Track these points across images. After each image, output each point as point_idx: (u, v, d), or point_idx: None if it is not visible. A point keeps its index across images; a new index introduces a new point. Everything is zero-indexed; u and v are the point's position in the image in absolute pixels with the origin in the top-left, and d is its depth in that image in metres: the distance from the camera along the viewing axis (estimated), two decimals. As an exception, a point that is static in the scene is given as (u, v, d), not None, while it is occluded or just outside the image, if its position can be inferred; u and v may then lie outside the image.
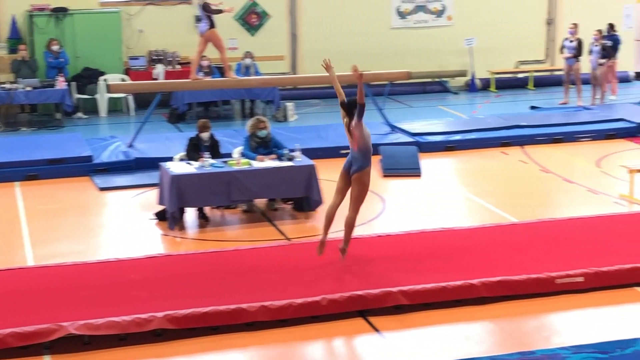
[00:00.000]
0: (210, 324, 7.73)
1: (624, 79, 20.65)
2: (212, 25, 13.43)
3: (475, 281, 8.35)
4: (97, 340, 7.49)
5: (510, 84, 20.47)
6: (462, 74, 17.77)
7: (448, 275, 8.49)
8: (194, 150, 11.17)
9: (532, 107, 17.98)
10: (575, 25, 18.05)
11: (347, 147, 14.03)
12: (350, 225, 8.86)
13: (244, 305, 7.84)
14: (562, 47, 18.29)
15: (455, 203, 11.70)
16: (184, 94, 16.75)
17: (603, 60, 17.76)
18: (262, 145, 11.21)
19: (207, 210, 11.07)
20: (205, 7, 13.33)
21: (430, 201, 11.73)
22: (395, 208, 11.45)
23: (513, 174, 13.13)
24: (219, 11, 13.51)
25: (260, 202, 11.40)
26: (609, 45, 18.11)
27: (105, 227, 11.02)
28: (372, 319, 8.00)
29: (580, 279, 8.53)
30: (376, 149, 13.81)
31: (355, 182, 8.72)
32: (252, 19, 19.43)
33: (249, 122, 11.39)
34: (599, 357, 7.22)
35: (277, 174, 10.79)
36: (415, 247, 9.39)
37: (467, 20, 20.22)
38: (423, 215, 11.01)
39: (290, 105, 17.39)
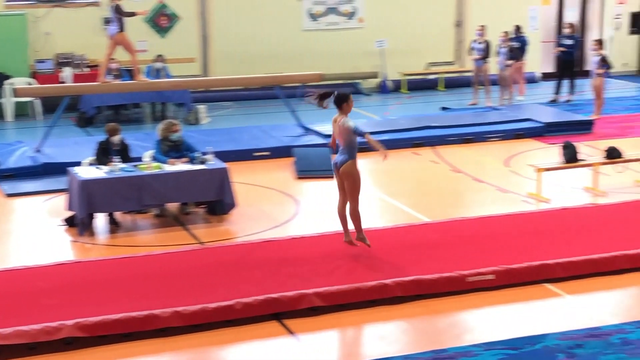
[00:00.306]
0: (122, 331, 7.62)
1: (531, 80, 21.14)
2: (122, 28, 13.25)
3: (388, 281, 8.43)
4: (6, 350, 7.30)
5: (421, 85, 20.75)
6: (374, 75, 17.96)
7: (362, 276, 8.55)
8: (103, 155, 11.00)
9: (443, 108, 18.26)
10: (483, 27, 18.43)
11: (260, 150, 14.13)
12: (354, 216, 9.15)
13: (156, 311, 7.75)
14: (471, 48, 18.66)
15: (368, 204, 11.78)
16: (92, 97, 16.49)
17: (510, 62, 18.13)
18: (173, 148, 11.11)
19: (117, 215, 10.91)
20: (118, 10, 13.13)
21: (343, 202, 11.78)
22: (309, 210, 11.48)
23: (425, 174, 13.31)
24: (132, 14, 13.34)
25: (173, 206, 11.29)
26: (516, 46, 18.51)
27: (13, 234, 10.76)
28: (287, 322, 8.00)
29: (491, 277, 8.70)
30: (290, 151, 13.92)
31: (344, 175, 9.04)
32: (161, 21, 19.24)
33: (161, 126, 11.28)
34: (509, 353, 7.37)
35: (189, 178, 10.70)
36: (329, 249, 9.43)
37: (378, 23, 20.42)
38: (337, 217, 11.04)
39: (202, 107, 17.28)
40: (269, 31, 19.68)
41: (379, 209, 11.54)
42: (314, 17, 20.23)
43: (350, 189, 9.08)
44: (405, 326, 8.04)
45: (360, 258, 9.14)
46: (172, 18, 19.30)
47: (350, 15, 20.47)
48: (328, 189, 12.43)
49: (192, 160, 10.96)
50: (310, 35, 20.12)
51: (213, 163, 10.99)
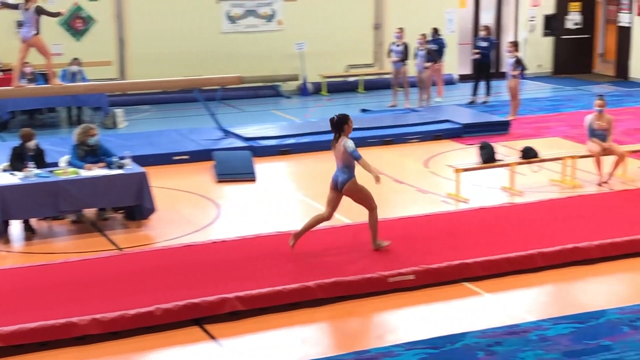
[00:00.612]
0: (39, 340, 7.47)
1: (449, 82, 21.43)
2: (38, 30, 12.98)
3: (310, 283, 8.44)
4: None
5: (341, 88, 20.85)
6: (294, 78, 17.96)
7: (283, 279, 8.54)
8: (18, 160, 10.76)
9: (363, 110, 18.38)
10: (401, 29, 18.60)
11: (179, 153, 14.01)
12: (372, 225, 9.33)
13: (74, 319, 7.62)
14: (390, 51, 18.82)
15: (290, 206, 11.80)
16: (6, 102, 16.11)
17: (428, 64, 18.34)
18: (90, 153, 10.94)
19: (33, 222, 10.69)
20: (40, 10, 12.83)
21: (265, 205, 11.77)
22: (230, 213, 11.42)
23: (345, 176, 13.34)
24: (58, 14, 13.12)
25: (90, 212, 11.11)
26: (434, 49, 18.76)
27: None
28: (209, 327, 7.95)
29: (412, 277, 8.79)
30: (209, 154, 13.83)
31: (349, 193, 9.25)
32: (77, 24, 18.93)
33: (77, 130, 11.09)
34: (430, 352, 7.45)
35: (107, 183, 10.55)
36: (250, 252, 9.40)
37: (297, 25, 20.45)
38: (258, 220, 11.04)
39: (119, 111, 17.06)
40: (187, 34, 19.54)
41: (301, 212, 11.55)
42: (232, 19, 20.15)
43: (362, 202, 9.30)
44: (327, 328, 8.06)
45: (282, 261, 9.14)
46: (88, 21, 19.01)
47: (269, 17, 20.46)
48: (249, 192, 12.40)
49: (109, 165, 10.81)
50: (229, 37, 20.05)
51: (131, 168, 10.85)
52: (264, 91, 20.13)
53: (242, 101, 19.41)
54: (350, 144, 9.09)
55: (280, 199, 12.09)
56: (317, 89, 20.55)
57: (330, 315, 8.25)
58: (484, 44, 19.27)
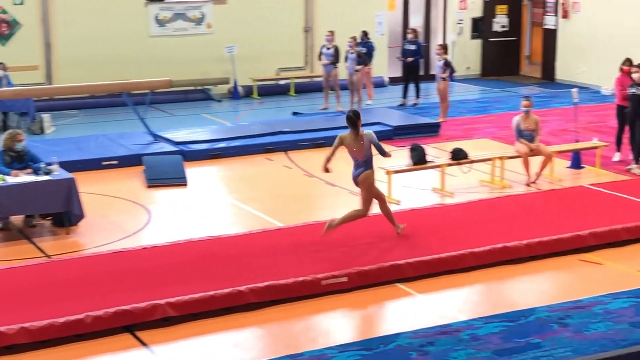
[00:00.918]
0: (-36, 352, 7.31)
1: (380, 84, 21.58)
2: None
3: (242, 288, 8.42)
4: None
5: (272, 91, 20.83)
6: (225, 81, 17.89)
7: (215, 284, 8.50)
8: (-59, 167, 10.51)
9: (294, 113, 18.40)
10: (332, 32, 18.67)
11: (108, 159, 13.84)
12: (353, 218, 9.85)
13: (2, 328, 7.48)
14: (320, 54, 18.86)
15: (222, 211, 11.75)
16: None
17: (359, 67, 18.44)
18: (17, 159, 10.74)
19: (-42, 230, 10.46)
20: None
21: (197, 210, 11.70)
22: (161, 219, 11.32)
23: (278, 180, 13.37)
24: None
25: (17, 219, 10.91)
26: (364, 51, 18.86)
27: None
28: (140, 334, 7.87)
29: (344, 279, 8.82)
30: (139, 159, 13.69)
31: (361, 183, 9.77)
32: (2, 28, 18.57)
33: (4, 136, 10.89)
34: (364, 354, 7.50)
35: (34, 189, 10.37)
36: (181, 258, 9.34)
37: (227, 28, 20.37)
38: (190, 225, 10.97)
39: (46, 116, 16.78)
40: (115, 37, 19.31)
41: (233, 216, 11.52)
42: (161, 22, 19.98)
43: (364, 196, 9.77)
44: (260, 332, 8.05)
45: (213, 266, 9.09)
46: (13, 25, 18.66)
47: (199, 21, 20.34)
48: (180, 197, 12.31)
49: (36, 172, 10.63)
50: (158, 41, 19.87)
51: (58, 174, 10.68)
52: (194, 95, 20.00)
53: (172, 105, 19.26)
54: (376, 138, 9.80)
55: (212, 204, 12.04)
56: (248, 93, 20.49)
57: (263, 319, 8.24)
58: (412, 47, 19.46)
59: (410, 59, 19.40)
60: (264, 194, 12.52)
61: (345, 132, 9.88)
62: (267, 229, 10.54)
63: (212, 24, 20.39)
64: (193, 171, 13.54)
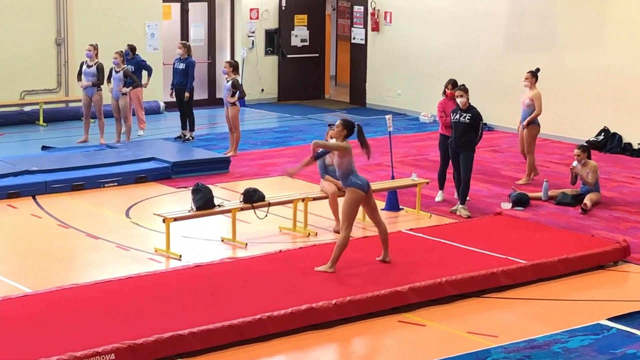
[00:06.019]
0: None
1: (154, 111, 21.52)
2: None
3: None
4: None
5: (15, 120, 20.34)
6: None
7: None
8: None
9: (44, 148, 18.03)
10: (94, 46, 18.39)
11: None
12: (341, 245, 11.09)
13: None
14: (80, 73, 18.55)
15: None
16: None
17: (126, 89, 18.29)
18: None
19: None
20: None
21: None
22: None
23: (25, 233, 13.04)
24: None
25: None
26: (132, 70, 18.69)
27: None
28: None
29: (112, 357, 8.68)
30: None
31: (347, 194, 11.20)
32: None
33: None
34: None
35: None
36: None
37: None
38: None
39: None
40: None
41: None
42: None
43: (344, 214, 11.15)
44: None
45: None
46: None
47: None
48: None
49: None
50: None
51: None
52: None
53: None
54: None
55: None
56: (-18, 122, 19.90)
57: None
58: (181, 65, 18.91)
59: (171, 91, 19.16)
60: (6, 252, 12.18)
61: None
62: (11, 296, 10.21)
63: None
64: None
